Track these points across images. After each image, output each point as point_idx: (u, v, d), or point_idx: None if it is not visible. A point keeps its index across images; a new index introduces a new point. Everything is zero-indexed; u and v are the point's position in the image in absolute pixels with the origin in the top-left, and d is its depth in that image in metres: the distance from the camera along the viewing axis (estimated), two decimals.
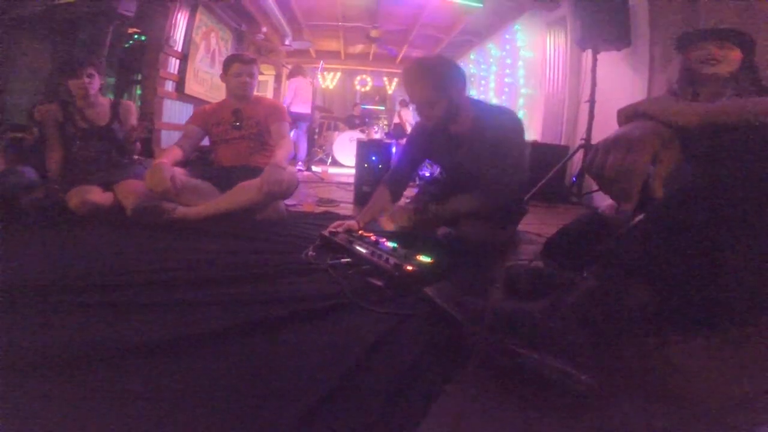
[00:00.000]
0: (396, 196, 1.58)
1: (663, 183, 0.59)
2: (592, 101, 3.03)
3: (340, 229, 1.37)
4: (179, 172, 1.75)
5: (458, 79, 1.36)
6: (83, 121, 1.97)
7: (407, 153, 1.62)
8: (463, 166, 1.47)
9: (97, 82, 1.97)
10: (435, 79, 1.33)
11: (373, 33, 6.11)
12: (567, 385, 0.58)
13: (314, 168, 4.75)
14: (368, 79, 8.94)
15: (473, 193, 1.40)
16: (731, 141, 0.64)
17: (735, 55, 1.07)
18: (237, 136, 2.00)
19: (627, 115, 0.67)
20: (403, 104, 6.39)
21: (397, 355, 0.70)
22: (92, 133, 1.98)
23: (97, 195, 1.74)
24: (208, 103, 2.09)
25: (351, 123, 6.73)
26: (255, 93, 2.10)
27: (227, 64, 1.97)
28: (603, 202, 1.42)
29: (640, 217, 0.76)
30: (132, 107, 2.11)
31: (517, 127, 1.42)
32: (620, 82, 3.11)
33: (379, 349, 0.72)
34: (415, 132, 1.63)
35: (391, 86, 8.93)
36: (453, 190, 1.48)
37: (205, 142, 2.11)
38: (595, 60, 3.05)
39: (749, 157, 0.62)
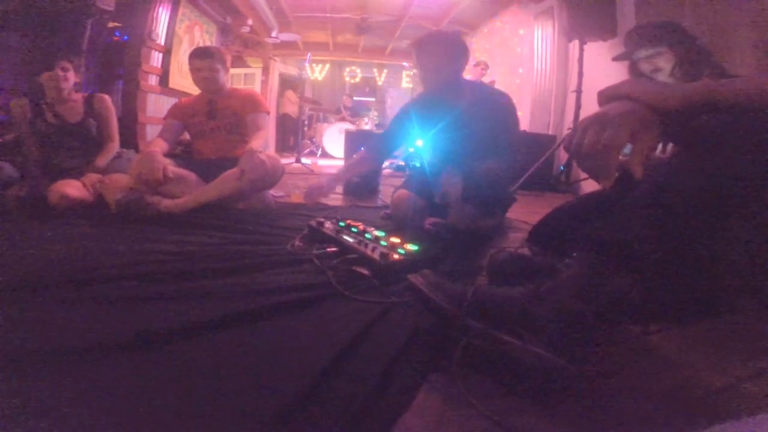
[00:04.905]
0: (376, 161, 1.68)
1: (642, 163, 0.59)
2: (579, 91, 3.05)
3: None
4: (168, 161, 1.73)
5: (466, 54, 1.49)
6: (54, 117, 1.92)
7: (398, 121, 1.66)
8: (458, 138, 1.50)
9: (71, 77, 1.92)
10: (450, 47, 1.45)
11: (362, 25, 6.05)
12: (549, 372, 0.59)
13: (304, 160, 4.72)
14: (357, 70, 8.86)
15: (490, 164, 1.37)
16: (714, 123, 0.64)
17: (667, 56, 1.15)
18: (213, 127, 1.97)
19: (608, 96, 0.66)
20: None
21: (383, 344, 0.70)
22: (64, 130, 1.93)
23: (76, 190, 1.71)
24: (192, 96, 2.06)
25: (341, 114, 6.69)
26: (232, 86, 2.07)
27: (189, 61, 1.93)
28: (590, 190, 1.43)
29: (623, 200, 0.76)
30: (108, 100, 2.04)
31: (514, 108, 1.51)
32: (607, 72, 3.12)
33: (364, 338, 0.72)
34: (410, 104, 1.66)
35: (381, 77, 8.87)
36: (439, 170, 1.49)
37: (187, 135, 2.07)
38: (582, 50, 3.06)
39: (734, 139, 0.63)
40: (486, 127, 1.41)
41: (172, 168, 1.71)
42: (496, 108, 1.44)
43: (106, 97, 2.06)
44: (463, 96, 1.48)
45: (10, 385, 0.55)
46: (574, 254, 0.73)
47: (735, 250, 0.68)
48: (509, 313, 0.68)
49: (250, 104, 1.95)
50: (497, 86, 4.68)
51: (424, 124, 1.59)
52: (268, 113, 2.02)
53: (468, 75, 4.91)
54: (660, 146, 1.08)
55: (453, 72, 1.45)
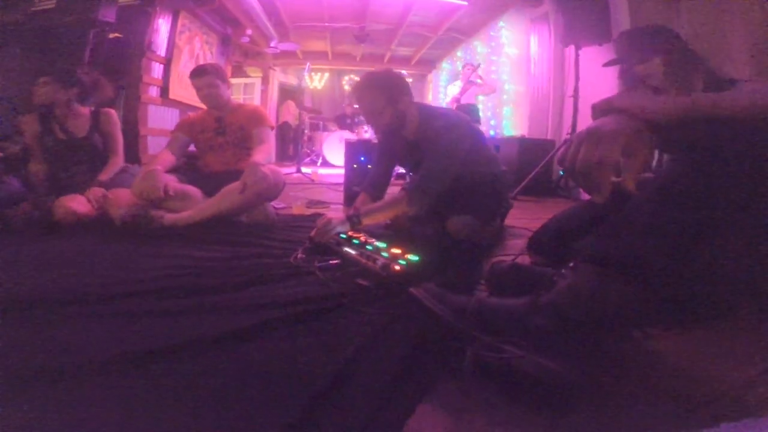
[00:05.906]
0: (377, 198, 1.69)
1: (635, 178, 0.60)
2: (576, 96, 3.08)
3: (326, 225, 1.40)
4: (170, 179, 1.75)
5: (402, 89, 1.51)
6: (62, 132, 1.94)
7: (379, 159, 1.76)
8: (418, 168, 1.54)
9: (58, 93, 1.90)
10: (380, 90, 1.47)
11: (360, 34, 6.11)
12: (552, 382, 0.59)
13: (304, 169, 4.73)
14: (356, 78, 8.89)
15: (397, 197, 1.44)
16: (707, 135, 0.65)
17: (657, 61, 1.16)
18: (221, 142, 2.01)
19: (601, 110, 0.68)
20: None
21: (386, 355, 0.71)
22: (71, 144, 1.95)
23: (81, 205, 1.73)
24: (193, 107, 2.05)
25: (341, 123, 6.72)
26: (236, 100, 2.12)
27: (190, 81, 1.97)
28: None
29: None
30: (114, 115, 2.06)
31: (450, 131, 1.46)
32: (603, 76, 3.14)
33: (368, 350, 0.73)
34: (381, 139, 1.73)
35: None
36: None
37: (192, 147, 2.11)
38: (577, 55, 3.09)
39: (726, 151, 0.64)
40: (429, 153, 1.45)
41: (173, 184, 1.73)
42: (433, 134, 1.46)
43: (113, 111, 2.08)
44: (411, 127, 1.53)
45: (14, 403, 0.56)
46: (570, 264, 0.74)
47: (733, 254, 0.69)
48: (511, 323, 0.69)
49: (256, 119, 1.99)
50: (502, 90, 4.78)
51: (395, 153, 1.70)
52: (273, 128, 2.06)
53: (458, 78, 4.99)
54: (656, 158, 1.10)
55: (390, 112, 1.48)
